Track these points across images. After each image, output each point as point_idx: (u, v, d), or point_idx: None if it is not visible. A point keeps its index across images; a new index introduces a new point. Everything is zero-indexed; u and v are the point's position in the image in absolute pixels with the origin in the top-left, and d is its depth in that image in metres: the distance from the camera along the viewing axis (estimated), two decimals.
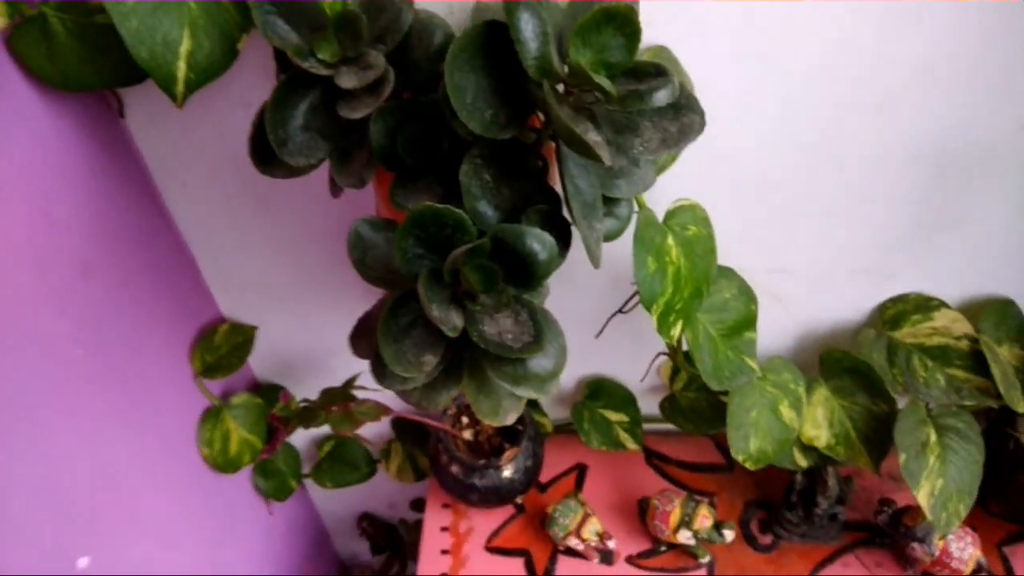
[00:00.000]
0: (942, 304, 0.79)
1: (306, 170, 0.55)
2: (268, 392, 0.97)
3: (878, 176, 0.70)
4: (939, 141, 0.67)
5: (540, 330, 0.45)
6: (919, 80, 0.64)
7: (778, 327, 0.86)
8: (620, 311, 0.75)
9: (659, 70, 0.47)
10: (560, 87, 0.47)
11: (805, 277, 0.80)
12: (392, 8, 0.52)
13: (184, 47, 0.56)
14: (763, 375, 0.77)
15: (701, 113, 0.49)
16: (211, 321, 0.89)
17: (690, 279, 0.63)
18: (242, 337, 0.89)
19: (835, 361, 0.81)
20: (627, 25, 0.45)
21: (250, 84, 0.68)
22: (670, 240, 0.62)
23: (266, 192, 0.77)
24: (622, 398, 0.94)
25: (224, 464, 0.88)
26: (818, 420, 0.81)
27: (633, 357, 0.89)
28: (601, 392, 0.94)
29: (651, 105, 0.46)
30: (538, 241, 0.44)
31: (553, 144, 0.50)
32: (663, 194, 0.68)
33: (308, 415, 0.87)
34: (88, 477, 0.67)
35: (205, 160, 0.74)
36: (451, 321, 0.44)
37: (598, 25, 0.45)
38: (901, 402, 0.78)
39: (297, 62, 0.51)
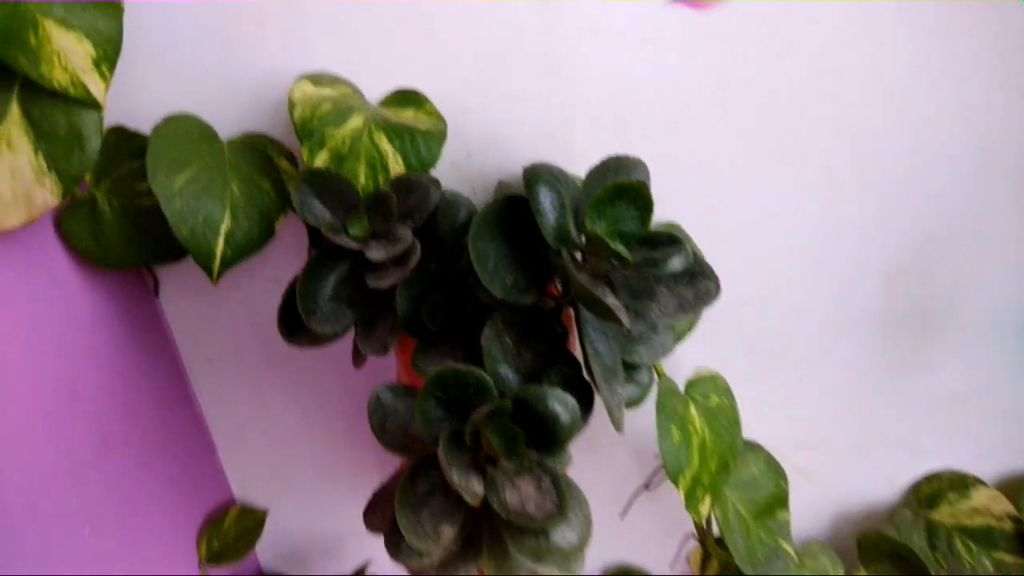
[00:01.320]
0: (978, 482, 0.76)
1: (330, 338, 0.56)
2: None
3: (897, 343, 0.71)
4: (953, 304, 0.68)
5: (563, 497, 0.44)
6: (927, 242, 0.66)
7: (810, 509, 0.82)
8: (645, 487, 0.73)
9: (672, 239, 0.49)
10: (578, 255, 0.48)
11: (833, 452, 0.78)
12: (420, 188, 0.56)
13: (224, 226, 0.59)
14: (800, 561, 0.73)
15: (716, 280, 0.51)
16: (222, 503, 0.86)
17: (716, 451, 0.61)
18: (252, 521, 0.86)
19: (874, 545, 0.77)
20: (639, 199, 0.48)
21: (281, 263, 0.71)
22: (693, 410, 0.61)
23: (290, 369, 0.78)
24: None
25: None
26: None
27: (660, 541, 0.85)
28: None
29: (666, 271, 0.48)
30: (560, 403, 0.44)
31: (572, 311, 0.51)
32: (680, 365, 0.68)
33: None
34: None
35: (232, 336, 0.76)
36: (471, 487, 0.43)
37: (612, 199, 0.48)
38: None
39: (330, 237, 0.54)
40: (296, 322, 0.56)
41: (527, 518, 0.42)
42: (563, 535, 0.44)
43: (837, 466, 0.80)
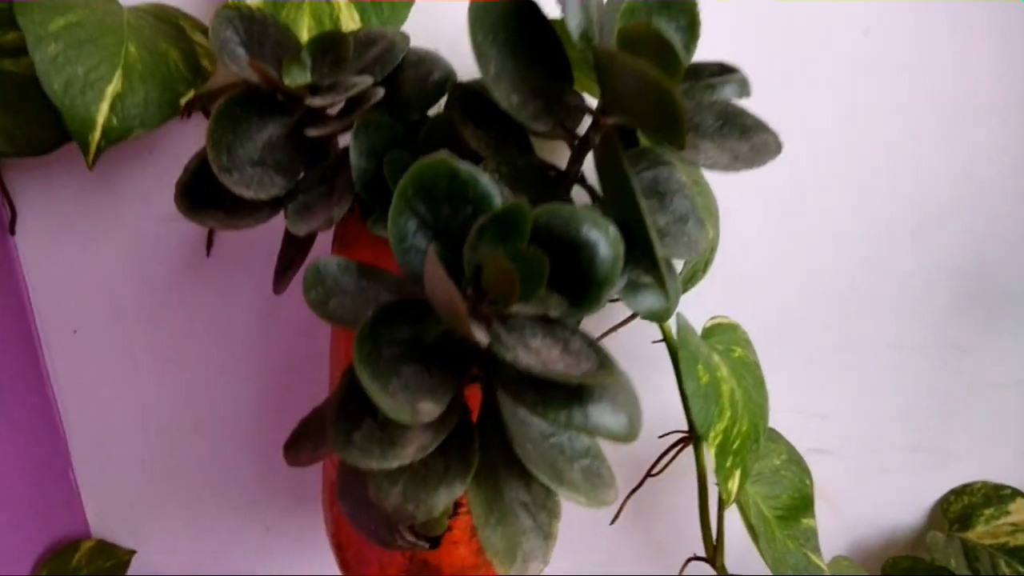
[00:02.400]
0: (1016, 493, 0.65)
1: (249, 215, 0.41)
2: None
3: (920, 319, 0.60)
4: (982, 274, 0.59)
5: (604, 356, 0.29)
6: (955, 205, 0.57)
7: (826, 534, 0.68)
8: (649, 475, 0.57)
9: (724, 67, 0.38)
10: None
11: (851, 459, 0.66)
12: (384, 40, 0.44)
13: (112, 87, 0.44)
14: None
15: (775, 135, 0.39)
16: (72, 534, 0.65)
17: (747, 410, 0.48)
18: (112, 561, 0.65)
19: (904, 573, 0.63)
20: (684, 14, 0.37)
21: None
22: (716, 357, 0.48)
23: (179, 351, 0.60)
24: None
25: None
26: None
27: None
28: None
29: (719, 96, 0.36)
30: (598, 228, 0.30)
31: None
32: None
33: None
34: None
35: (107, 297, 0.59)
36: (475, 333, 0.28)
37: (649, 12, 0.37)
38: None
39: (257, 83, 0.40)
40: (203, 194, 0.41)
41: (557, 376, 0.27)
42: (606, 413, 0.29)
43: (855, 480, 0.67)
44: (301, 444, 0.36)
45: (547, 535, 0.35)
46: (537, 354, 0.29)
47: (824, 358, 0.62)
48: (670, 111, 0.31)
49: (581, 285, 0.30)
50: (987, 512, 0.65)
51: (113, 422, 0.63)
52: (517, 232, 0.29)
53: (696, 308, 0.57)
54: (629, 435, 0.29)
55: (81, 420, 0.63)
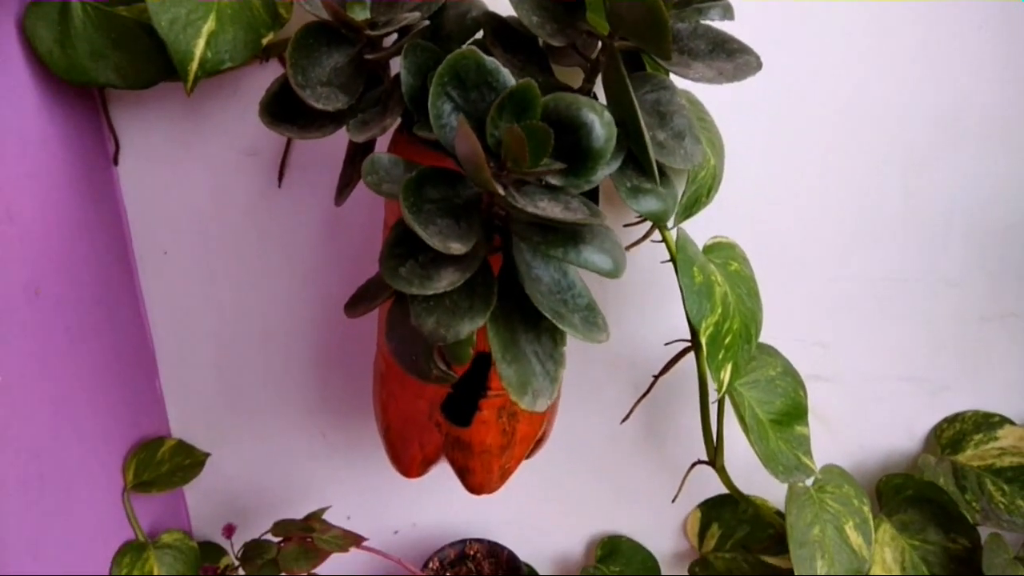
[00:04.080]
0: (1005, 420, 0.70)
1: (320, 126, 0.50)
2: (206, 549, 0.79)
3: (913, 251, 0.66)
4: (973, 207, 0.65)
5: (595, 209, 0.37)
6: (946, 137, 0.63)
7: (824, 455, 0.74)
8: (654, 377, 0.65)
9: None
10: None
11: (848, 386, 0.71)
12: None
13: (208, 27, 0.54)
14: (822, 486, 0.64)
15: (756, 56, 0.46)
16: (156, 433, 0.75)
17: (738, 312, 0.55)
18: (190, 460, 0.74)
19: (895, 490, 0.69)
20: None
21: (259, 133, 0.65)
22: (712, 266, 0.55)
23: (253, 270, 0.70)
24: (642, 561, 0.78)
25: None
26: (888, 564, 0.66)
27: (656, 509, 0.76)
28: (617, 554, 0.78)
29: (707, 18, 0.43)
30: (594, 111, 0.38)
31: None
32: None
33: (257, 555, 0.70)
34: None
35: (195, 222, 0.68)
36: (494, 184, 0.36)
37: None
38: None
39: (326, 17, 0.49)
40: (281, 109, 0.50)
41: (556, 221, 0.35)
42: (596, 254, 0.37)
43: (852, 407, 0.73)
44: (358, 303, 0.45)
45: (553, 379, 0.43)
46: (543, 209, 0.37)
47: (822, 290, 0.69)
48: (659, 25, 0.39)
49: (580, 158, 0.38)
50: (977, 437, 0.70)
51: (195, 335, 0.72)
52: (530, 109, 0.37)
53: (704, 234, 0.64)
54: (614, 271, 0.36)
55: (167, 332, 0.73)
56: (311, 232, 0.68)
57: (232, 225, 0.68)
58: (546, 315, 0.39)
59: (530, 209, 0.36)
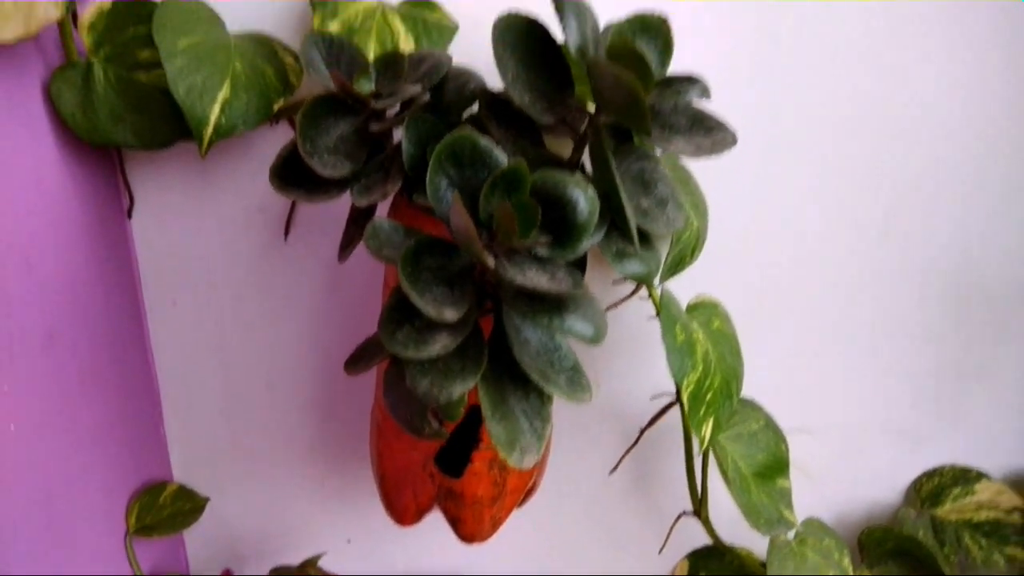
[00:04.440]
0: (981, 475, 0.72)
1: (326, 191, 0.53)
2: None
3: (893, 306, 0.69)
4: (950, 263, 0.68)
5: (579, 280, 0.40)
6: (923, 198, 0.66)
7: (807, 507, 0.76)
8: (641, 431, 0.67)
9: (690, 78, 0.49)
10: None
11: (831, 438, 0.74)
12: (432, 58, 0.56)
13: (223, 94, 0.57)
14: (803, 539, 0.66)
15: (732, 133, 0.50)
16: (158, 477, 0.77)
17: (719, 370, 0.58)
18: (190, 505, 0.76)
19: (877, 543, 0.71)
20: (660, 35, 0.48)
21: (269, 190, 0.68)
22: (695, 324, 0.58)
23: (259, 320, 0.73)
24: None
25: None
26: None
27: (645, 556, 0.78)
28: None
29: (685, 99, 0.47)
30: (579, 188, 0.41)
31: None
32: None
33: None
34: None
35: (204, 274, 0.71)
36: (486, 257, 0.39)
37: (633, 33, 0.48)
38: None
39: (335, 91, 0.52)
40: (290, 175, 0.53)
41: (542, 290, 0.38)
42: (579, 322, 0.39)
43: (834, 459, 0.75)
44: (357, 361, 0.48)
45: (540, 436, 0.45)
46: (531, 279, 0.40)
47: (805, 344, 0.71)
48: (638, 106, 0.42)
49: (566, 230, 0.41)
50: (955, 491, 0.72)
51: (200, 382, 0.75)
52: (520, 186, 0.40)
53: (689, 291, 0.67)
54: (595, 338, 0.39)
55: (173, 379, 0.75)
56: (315, 286, 0.71)
57: (239, 278, 0.71)
58: (533, 378, 0.41)
59: (518, 280, 0.39)
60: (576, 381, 0.44)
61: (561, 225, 0.42)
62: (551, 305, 0.40)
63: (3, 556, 0.55)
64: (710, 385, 0.56)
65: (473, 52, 0.62)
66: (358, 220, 0.58)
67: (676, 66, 0.50)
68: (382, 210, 0.61)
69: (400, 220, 0.57)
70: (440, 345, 0.40)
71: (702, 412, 0.56)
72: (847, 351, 0.71)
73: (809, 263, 0.69)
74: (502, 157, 0.42)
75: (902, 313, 0.70)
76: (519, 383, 0.45)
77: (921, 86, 0.65)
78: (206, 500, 0.78)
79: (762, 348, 0.71)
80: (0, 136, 0.53)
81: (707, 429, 0.56)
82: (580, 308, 0.40)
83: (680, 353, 0.54)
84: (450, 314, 0.39)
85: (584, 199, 0.41)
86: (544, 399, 0.45)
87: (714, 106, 0.59)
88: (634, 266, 0.51)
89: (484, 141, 0.41)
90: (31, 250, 0.57)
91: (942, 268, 0.69)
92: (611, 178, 0.44)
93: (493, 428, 0.44)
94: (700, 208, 0.63)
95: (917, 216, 0.67)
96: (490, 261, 0.39)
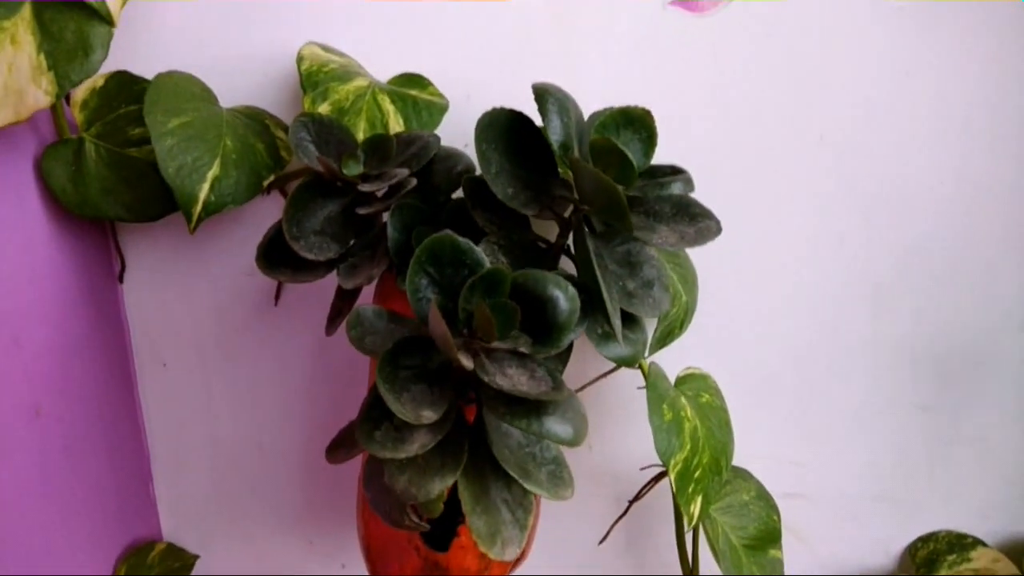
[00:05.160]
0: (978, 542, 0.72)
1: (312, 271, 0.53)
2: None
3: (883, 377, 0.69)
4: (938, 336, 0.68)
5: (559, 383, 0.40)
6: (908, 270, 0.66)
7: (802, 572, 0.76)
8: (630, 502, 0.67)
9: (675, 169, 0.49)
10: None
11: (824, 504, 0.73)
12: (420, 140, 0.56)
13: (212, 172, 0.58)
14: None
15: (717, 221, 0.50)
16: (148, 537, 0.77)
17: (708, 445, 0.57)
18: (179, 563, 0.76)
19: None
20: (644, 128, 0.49)
21: None
22: (683, 400, 0.58)
23: (249, 383, 0.73)
24: None
25: None
26: None
27: None
28: None
29: (668, 192, 0.47)
30: (559, 288, 0.41)
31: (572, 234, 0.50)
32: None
33: None
34: None
35: (193, 337, 0.71)
36: (462, 360, 0.39)
37: (617, 126, 0.48)
38: None
39: (324, 173, 0.53)
40: (276, 255, 0.54)
41: (520, 393, 0.38)
42: (558, 424, 0.39)
43: (828, 525, 0.74)
44: (338, 448, 0.48)
45: (522, 527, 0.45)
46: (510, 378, 0.40)
47: (797, 414, 0.71)
48: (618, 205, 0.42)
49: (546, 329, 0.41)
50: (950, 558, 0.72)
51: (189, 444, 0.75)
52: (499, 288, 0.40)
53: (680, 363, 0.67)
54: (574, 441, 0.39)
55: (163, 441, 0.75)
56: (304, 349, 0.71)
57: (230, 340, 0.71)
58: (513, 474, 0.41)
59: (497, 381, 0.39)
60: (558, 475, 0.44)
61: (542, 322, 0.42)
62: (529, 408, 0.40)
63: None
64: (698, 463, 0.56)
65: (466, 124, 0.63)
66: (346, 294, 0.58)
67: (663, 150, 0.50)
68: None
69: (386, 298, 0.57)
70: (418, 444, 0.40)
71: (690, 490, 0.56)
72: (839, 421, 0.71)
73: (800, 334, 0.69)
74: (482, 257, 0.42)
75: (893, 384, 0.70)
76: (501, 474, 0.45)
77: (906, 159, 0.65)
78: (195, 558, 0.77)
79: (754, 418, 0.71)
80: None
81: (696, 507, 0.56)
82: (559, 409, 0.40)
83: (667, 432, 0.54)
84: (428, 415, 0.39)
85: (564, 298, 0.41)
86: (527, 488, 0.45)
87: (705, 173, 0.59)
88: (618, 350, 0.51)
89: (464, 242, 0.41)
90: (20, 327, 0.57)
91: (931, 340, 0.69)
92: (592, 272, 0.44)
93: (474, 522, 0.44)
94: (689, 280, 0.63)
95: (906, 289, 0.67)
96: (468, 363, 0.39)
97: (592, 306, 0.48)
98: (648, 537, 0.75)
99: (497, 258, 0.47)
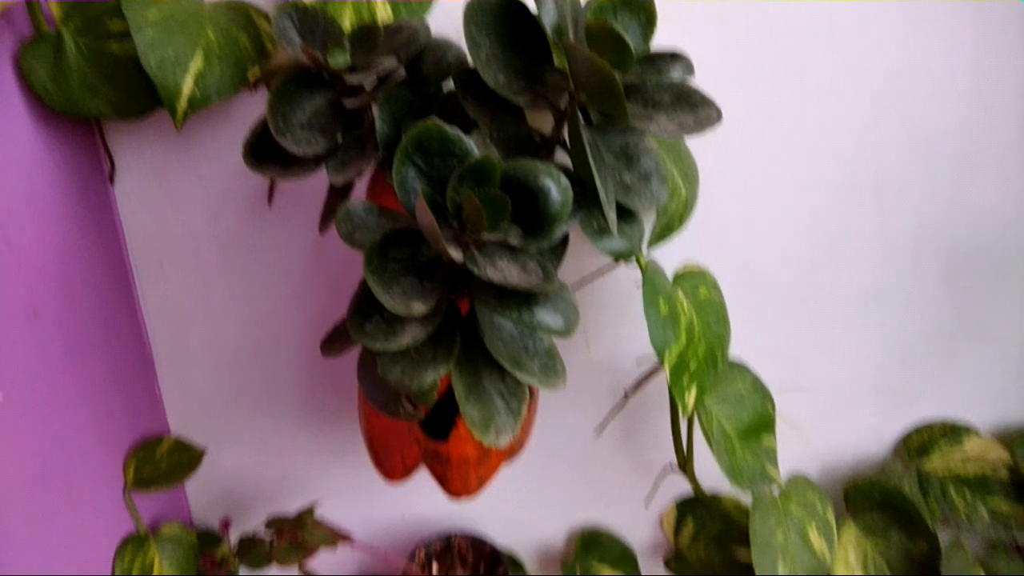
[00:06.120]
0: (971, 430, 0.73)
1: (300, 168, 0.52)
2: (205, 538, 0.83)
3: (885, 271, 0.68)
4: (943, 229, 0.67)
5: (550, 274, 0.39)
6: (916, 158, 0.64)
7: (796, 460, 0.77)
8: (624, 396, 0.68)
9: (674, 55, 0.47)
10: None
11: (822, 398, 0.74)
12: (409, 28, 0.54)
13: (195, 65, 0.56)
14: (787, 494, 0.68)
15: (717, 109, 0.48)
16: (156, 432, 0.79)
17: (704, 338, 0.57)
18: (187, 457, 0.78)
19: (863, 495, 0.72)
20: (644, 10, 0.46)
21: None
22: (680, 294, 0.58)
23: (246, 284, 0.73)
24: (620, 553, 0.82)
25: None
26: (851, 563, 0.70)
27: (633, 505, 0.80)
28: (596, 544, 0.82)
29: (667, 79, 0.45)
30: (551, 178, 0.40)
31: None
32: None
33: (252, 548, 0.74)
34: None
35: (188, 236, 0.71)
36: (452, 251, 0.38)
37: (615, 9, 0.46)
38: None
39: (309, 63, 0.51)
40: (263, 151, 0.53)
41: (511, 285, 0.38)
42: (549, 315, 0.39)
43: (824, 415, 0.76)
44: (333, 341, 0.48)
45: (516, 415, 0.46)
46: (501, 271, 0.40)
47: (795, 308, 0.71)
48: (613, 91, 0.41)
49: (537, 221, 0.41)
50: (943, 445, 0.73)
51: (191, 341, 0.76)
52: (488, 179, 0.39)
53: (680, 258, 0.67)
54: (565, 331, 0.39)
55: (165, 339, 0.76)
56: (300, 247, 0.71)
57: (225, 240, 0.71)
58: (505, 366, 0.41)
59: (488, 273, 0.38)
60: (550, 367, 0.44)
61: (534, 214, 0.41)
62: (520, 299, 0.39)
63: (1, 520, 0.57)
64: (693, 354, 0.56)
65: (455, 16, 0.60)
66: (338, 191, 0.57)
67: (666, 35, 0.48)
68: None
69: (378, 195, 0.56)
70: (410, 336, 0.40)
71: (685, 381, 0.56)
72: (839, 313, 0.71)
73: (801, 227, 0.68)
74: (471, 147, 0.41)
75: (894, 276, 0.69)
76: (494, 365, 0.46)
77: (917, 52, 0.62)
78: (203, 451, 0.80)
79: (753, 312, 0.71)
80: None
81: (690, 398, 0.57)
82: (550, 300, 0.40)
83: (662, 326, 0.54)
84: (419, 307, 0.39)
85: (556, 189, 0.40)
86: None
87: (705, 74, 0.57)
88: (614, 243, 0.50)
89: (452, 131, 0.40)
90: (10, 228, 0.57)
91: (933, 231, 0.68)
92: (586, 163, 0.43)
93: (467, 411, 0.44)
94: (690, 175, 0.61)
95: (908, 180, 0.66)
96: (457, 256, 0.38)
97: (587, 199, 0.47)
98: (644, 428, 0.76)
99: (488, 150, 0.46)
